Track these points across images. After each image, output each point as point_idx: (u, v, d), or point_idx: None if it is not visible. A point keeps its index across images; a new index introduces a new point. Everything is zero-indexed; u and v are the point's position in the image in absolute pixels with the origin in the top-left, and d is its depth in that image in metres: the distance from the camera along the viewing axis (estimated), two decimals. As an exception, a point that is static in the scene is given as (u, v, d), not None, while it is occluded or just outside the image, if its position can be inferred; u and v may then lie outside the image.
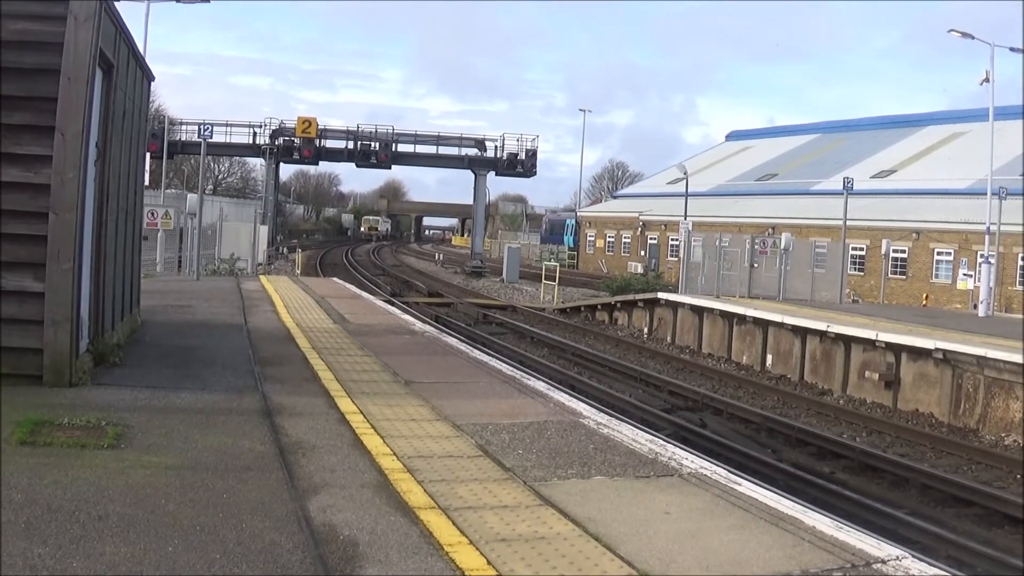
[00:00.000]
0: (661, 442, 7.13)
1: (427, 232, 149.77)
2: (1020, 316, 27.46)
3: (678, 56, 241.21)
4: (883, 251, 35.18)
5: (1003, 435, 14.13)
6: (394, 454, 6.01)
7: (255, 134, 52.27)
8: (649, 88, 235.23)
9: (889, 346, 16.75)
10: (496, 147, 52.70)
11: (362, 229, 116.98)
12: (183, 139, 49.68)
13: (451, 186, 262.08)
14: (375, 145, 52.16)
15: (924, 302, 37.54)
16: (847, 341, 17.83)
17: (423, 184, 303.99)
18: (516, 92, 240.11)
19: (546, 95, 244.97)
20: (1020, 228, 33.74)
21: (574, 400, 8.80)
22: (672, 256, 51.99)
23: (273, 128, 52.26)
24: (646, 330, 26.62)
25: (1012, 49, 31.10)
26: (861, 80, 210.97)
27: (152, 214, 23.14)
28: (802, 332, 19.27)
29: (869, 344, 17.24)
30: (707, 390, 17.28)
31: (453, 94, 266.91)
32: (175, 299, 15.98)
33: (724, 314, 22.43)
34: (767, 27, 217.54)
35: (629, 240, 63.53)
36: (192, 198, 25.92)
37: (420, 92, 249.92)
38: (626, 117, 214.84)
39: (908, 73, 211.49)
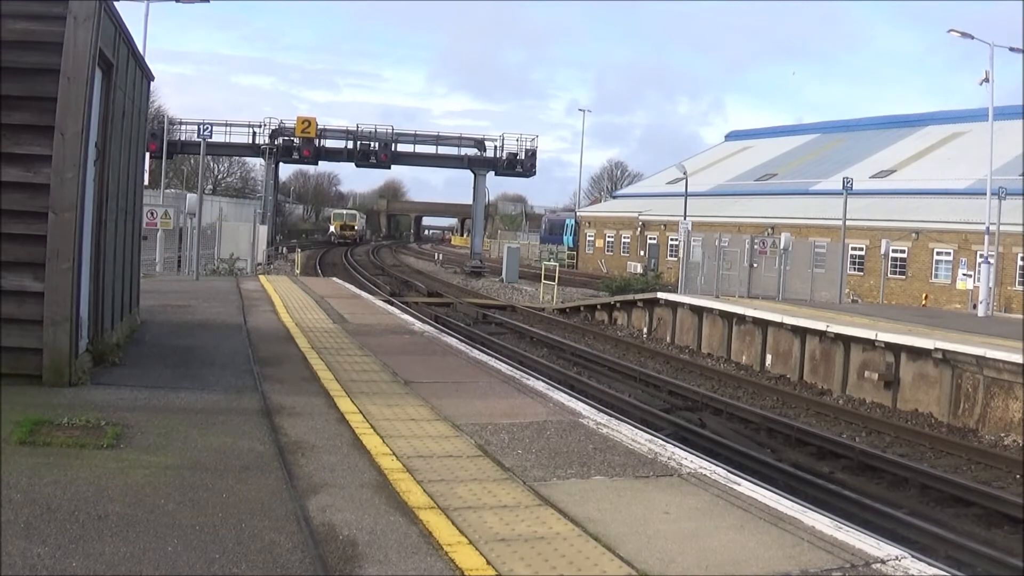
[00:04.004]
0: (660, 442, 7.13)
1: (426, 232, 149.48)
2: (1020, 316, 27.46)
3: (708, 55, 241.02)
4: (882, 251, 35.20)
5: (1002, 435, 14.13)
6: (393, 454, 6.01)
7: (255, 134, 52.33)
8: (673, 88, 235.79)
9: (888, 346, 16.75)
10: (496, 147, 52.74)
11: (332, 229, 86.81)
12: (183, 139, 49.67)
13: (458, 186, 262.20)
14: (375, 145, 52.17)
15: (923, 302, 37.56)
16: (846, 341, 17.82)
17: (429, 184, 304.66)
18: (539, 92, 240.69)
19: (569, 94, 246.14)
20: (1020, 228, 33.75)
21: (573, 400, 8.81)
22: (671, 256, 52.01)
23: (273, 128, 52.30)
24: (645, 330, 26.62)
25: (1012, 49, 31.13)
26: (881, 80, 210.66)
27: (151, 214, 23.13)
28: (801, 332, 19.27)
29: (868, 344, 17.24)
30: (706, 390, 17.27)
31: (477, 93, 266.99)
32: (174, 299, 15.98)
33: (723, 314, 22.43)
34: (781, 26, 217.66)
35: (628, 240, 63.54)
36: (191, 198, 25.92)
37: (442, 91, 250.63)
38: (646, 117, 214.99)
39: (912, 74, 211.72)
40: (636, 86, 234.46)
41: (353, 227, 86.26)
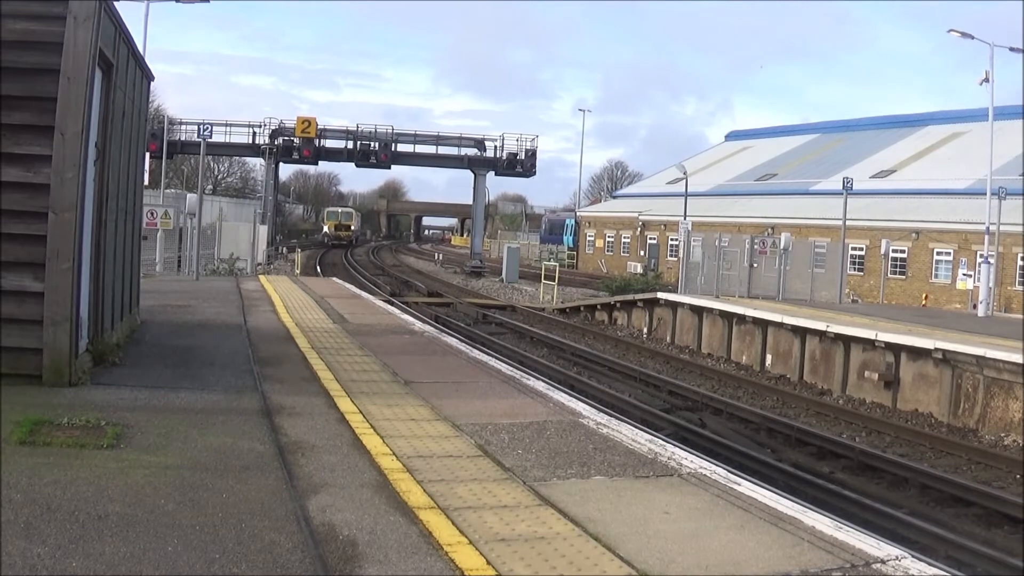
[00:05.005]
0: (661, 442, 7.13)
1: (426, 232, 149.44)
2: (1019, 316, 27.46)
3: (709, 56, 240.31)
4: (883, 251, 35.20)
5: (1002, 435, 14.13)
6: (393, 454, 6.01)
7: (255, 134, 52.34)
8: (679, 88, 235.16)
9: (888, 346, 16.75)
10: (496, 147, 52.74)
11: (325, 229, 79.65)
12: (183, 139, 49.66)
13: (459, 186, 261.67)
14: (375, 145, 52.16)
15: (923, 302, 37.56)
16: (846, 341, 17.82)
17: (430, 184, 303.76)
18: (546, 92, 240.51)
19: (575, 94, 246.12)
20: (1020, 228, 33.76)
21: (574, 400, 8.80)
22: (672, 256, 52.02)
23: (273, 128, 52.30)
24: (645, 330, 26.62)
25: (1012, 49, 31.13)
26: (882, 81, 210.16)
27: (151, 214, 23.14)
28: (801, 332, 19.27)
29: (868, 344, 17.24)
30: (707, 390, 17.27)
31: (481, 93, 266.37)
32: (174, 299, 15.98)
33: (724, 314, 22.43)
34: (781, 26, 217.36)
35: (628, 240, 63.54)
36: (191, 198, 25.92)
37: (447, 91, 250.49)
38: (651, 117, 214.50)
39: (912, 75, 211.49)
40: (641, 86, 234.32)
41: (350, 227, 79.92)
